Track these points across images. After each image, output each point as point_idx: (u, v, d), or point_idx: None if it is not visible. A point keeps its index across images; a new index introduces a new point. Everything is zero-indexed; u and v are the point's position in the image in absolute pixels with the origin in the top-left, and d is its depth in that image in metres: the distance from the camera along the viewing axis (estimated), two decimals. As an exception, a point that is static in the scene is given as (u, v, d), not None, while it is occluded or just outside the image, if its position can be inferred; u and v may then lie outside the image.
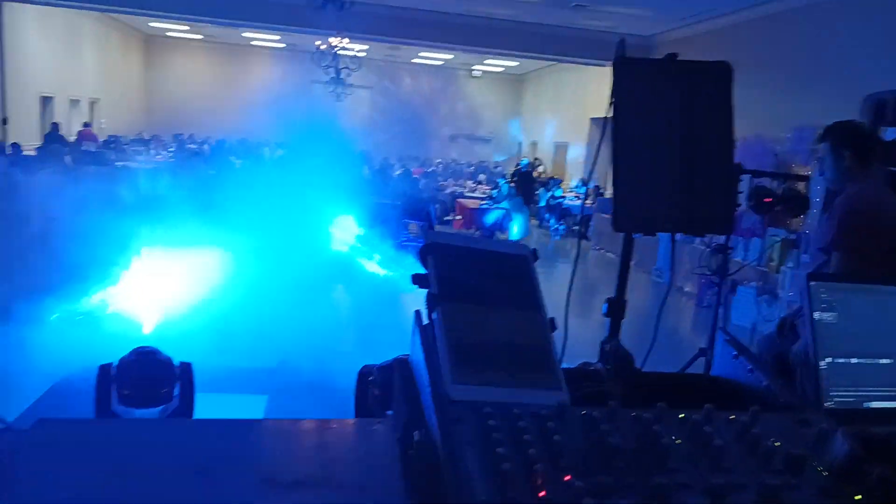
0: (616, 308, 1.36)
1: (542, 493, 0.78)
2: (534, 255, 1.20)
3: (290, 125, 8.21)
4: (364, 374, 2.74)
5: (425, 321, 1.12)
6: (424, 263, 1.10)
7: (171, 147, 18.23)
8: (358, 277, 7.83)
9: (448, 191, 15.56)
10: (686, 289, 9.24)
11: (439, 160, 19.95)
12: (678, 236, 1.48)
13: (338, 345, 5.57)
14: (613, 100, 1.30)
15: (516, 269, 1.16)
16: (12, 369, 4.60)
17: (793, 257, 7.01)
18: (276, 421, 0.99)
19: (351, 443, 1.01)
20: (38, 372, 4.54)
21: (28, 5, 14.20)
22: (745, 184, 5.13)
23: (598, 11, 11.73)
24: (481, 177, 19.11)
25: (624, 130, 1.27)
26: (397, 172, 13.96)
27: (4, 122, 13.69)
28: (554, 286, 1.25)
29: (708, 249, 5.09)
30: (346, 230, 8.62)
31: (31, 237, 6.40)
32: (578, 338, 1.51)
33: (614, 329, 1.36)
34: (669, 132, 1.31)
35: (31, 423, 0.92)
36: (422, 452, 0.91)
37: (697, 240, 8.22)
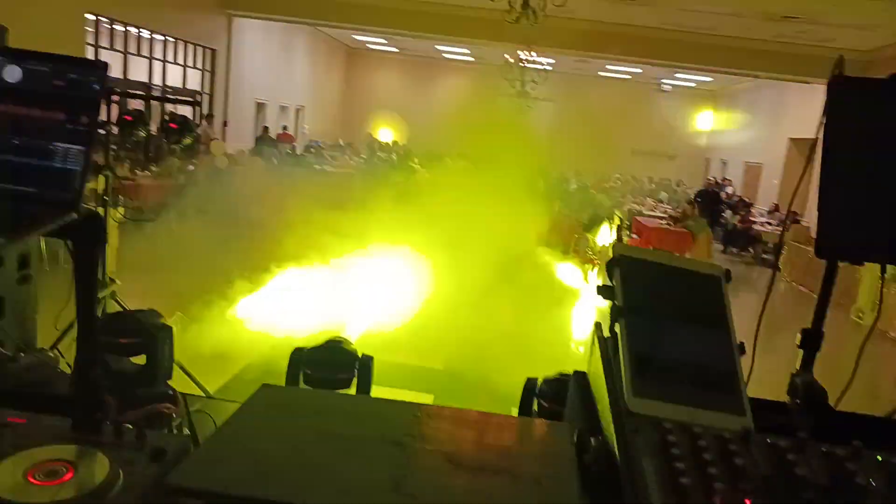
0: (812, 339, 1.28)
1: (720, 512, 0.78)
2: (727, 275, 1.18)
3: (473, 136, 8.46)
4: (529, 386, 2.79)
5: (606, 334, 1.14)
6: (611, 275, 1.12)
7: (363, 154, 19.49)
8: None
9: (626, 208, 15.16)
10: (892, 334, 8.26)
11: (618, 175, 19.48)
12: (888, 273, 1.35)
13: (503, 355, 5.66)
14: (825, 121, 1.24)
15: (707, 289, 1.15)
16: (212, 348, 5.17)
17: None
18: (462, 410, 1.06)
19: (528, 439, 1.06)
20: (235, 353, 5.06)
21: (251, 20, 15.95)
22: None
23: (811, 23, 10.84)
24: (663, 195, 18.40)
25: (836, 152, 1.21)
26: (573, 187, 13.85)
27: (225, 124, 15.44)
28: (736, 316, 1.21)
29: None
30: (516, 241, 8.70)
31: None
32: (761, 371, 1.44)
33: (808, 361, 1.29)
34: (890, 157, 1.22)
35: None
36: (599, 457, 0.94)
37: (911, 278, 7.34)
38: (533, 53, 14.27)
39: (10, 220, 0.95)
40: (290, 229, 6.34)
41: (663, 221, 12.85)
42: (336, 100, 24.42)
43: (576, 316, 6.99)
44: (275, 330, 5.21)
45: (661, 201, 17.31)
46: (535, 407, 2.56)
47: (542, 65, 14.85)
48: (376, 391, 3.34)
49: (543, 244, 8.77)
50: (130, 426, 1.07)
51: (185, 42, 14.33)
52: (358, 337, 5.12)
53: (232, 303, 5.88)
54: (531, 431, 1.09)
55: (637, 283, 1.11)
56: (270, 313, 5.67)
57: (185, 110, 11.85)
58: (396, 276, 6.60)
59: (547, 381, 2.69)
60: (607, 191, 15.46)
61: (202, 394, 4.32)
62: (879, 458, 0.92)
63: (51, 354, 3.97)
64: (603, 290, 1.12)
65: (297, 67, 20.33)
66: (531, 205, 8.48)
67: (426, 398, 4.95)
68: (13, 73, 1.04)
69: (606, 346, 1.13)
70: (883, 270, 1.25)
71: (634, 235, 13.11)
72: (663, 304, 1.10)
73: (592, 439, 0.98)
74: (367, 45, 22.86)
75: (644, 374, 1.00)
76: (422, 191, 8.56)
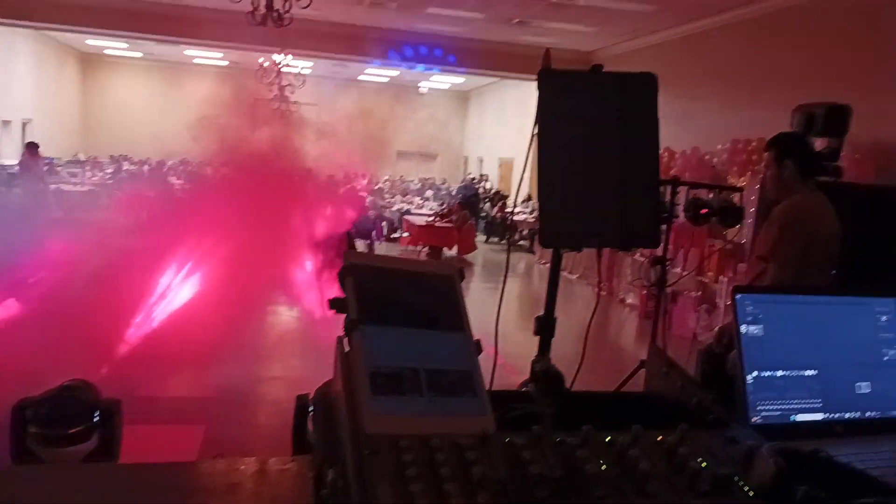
0: (545, 326, 1.32)
1: (458, 532, 0.74)
2: (460, 274, 1.16)
3: (233, 144, 8.04)
4: (301, 404, 2.65)
5: (347, 349, 1.07)
6: (343, 286, 1.04)
7: (109, 169, 17.70)
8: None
9: (395, 208, 15.51)
10: (629, 300, 9.37)
11: (387, 177, 19.89)
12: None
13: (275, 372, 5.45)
14: (537, 112, 1.27)
15: (441, 290, 1.12)
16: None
17: (731, 267, 7.19)
18: (184, 464, 0.91)
19: (264, 484, 0.94)
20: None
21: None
22: (683, 195, 5.24)
23: (539, 27, 11.91)
24: (429, 193, 19.13)
25: (548, 143, 1.24)
26: (342, 190, 13.82)
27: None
28: (492, 302, 1.21)
29: (647, 261, 5.16)
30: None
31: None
32: (526, 354, 1.46)
33: (544, 347, 1.33)
34: (595, 145, 1.29)
35: None
36: (336, 492, 0.85)
37: (638, 252, 8.38)
38: (289, 57, 13.98)
39: None
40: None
41: (431, 218, 13.34)
42: (73, 111, 21.85)
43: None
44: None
45: (428, 199, 17.98)
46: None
47: (299, 69, 14.60)
48: (136, 431, 2.97)
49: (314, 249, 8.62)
50: None
51: None
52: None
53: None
54: (266, 473, 0.97)
55: (370, 292, 1.04)
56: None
57: None
58: (153, 294, 6.07)
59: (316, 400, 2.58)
60: (377, 192, 15.69)
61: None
62: (608, 439, 0.95)
63: None
64: (335, 303, 1.04)
65: (17, 76, 17.81)
66: (300, 210, 8.29)
67: (196, 430, 4.56)
68: None
69: (347, 360, 1.05)
70: (599, 250, 1.32)
71: (405, 234, 13.46)
72: (398, 311, 1.05)
73: (330, 471, 0.90)
74: (104, 49, 20.74)
75: (382, 389, 0.94)
76: (182, 202, 7.96)
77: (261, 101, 14.96)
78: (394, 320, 1.03)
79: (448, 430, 0.92)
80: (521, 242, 14.23)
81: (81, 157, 19.11)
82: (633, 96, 1.35)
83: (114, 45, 19.52)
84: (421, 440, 0.88)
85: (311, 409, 2.58)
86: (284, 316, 7.42)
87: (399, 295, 1.08)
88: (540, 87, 1.29)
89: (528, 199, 15.01)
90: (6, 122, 17.16)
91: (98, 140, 21.19)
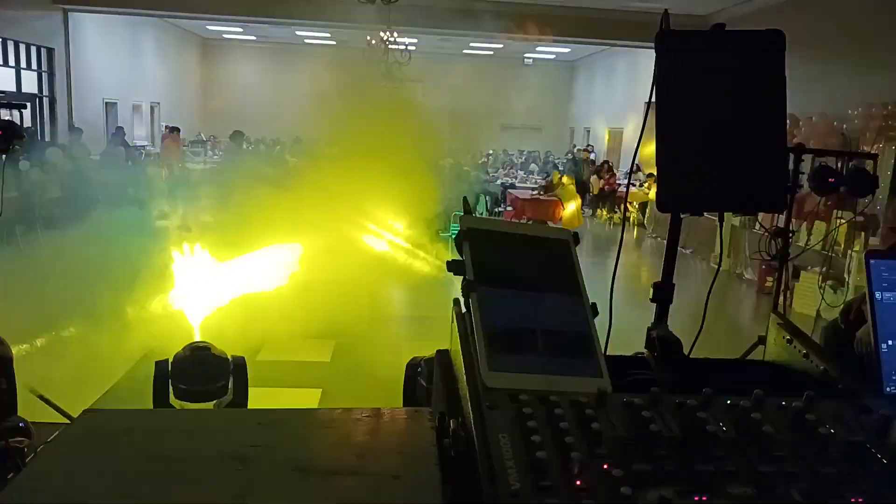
0: (663, 292, 1.31)
1: (577, 483, 0.76)
2: (575, 238, 1.17)
3: (342, 121, 8.28)
4: (412, 365, 2.75)
5: (464, 310, 1.10)
6: (460, 249, 1.08)
7: (228, 148, 18.67)
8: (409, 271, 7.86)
9: (499, 182, 15.48)
10: (746, 276, 8.95)
11: (490, 151, 19.85)
12: (736, 221, 1.41)
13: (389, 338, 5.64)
14: (656, 76, 1.25)
15: (556, 254, 1.13)
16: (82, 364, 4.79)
17: (861, 240, 6.70)
18: (313, 410, 0.99)
19: (388, 432, 1.00)
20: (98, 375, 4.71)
21: (90, 14, 14.77)
22: (808, 164, 4.92)
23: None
24: (533, 167, 18.94)
25: (667, 107, 1.22)
26: (447, 165, 13.93)
27: (71, 128, 14.25)
28: (608, 275, 1.21)
29: (767, 233, 4.90)
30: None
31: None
32: (635, 328, 1.45)
33: (661, 314, 1.31)
34: (717, 107, 1.25)
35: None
36: (458, 440, 0.89)
37: (758, 224, 7.96)
38: (395, 34, 14.16)
39: None
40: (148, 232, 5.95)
41: (535, 192, 13.23)
42: (194, 94, 23.20)
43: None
44: (138, 343, 4.88)
45: (532, 173, 17.81)
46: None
47: (405, 45, 14.77)
48: (258, 394, 3.18)
49: (424, 223, 8.80)
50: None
51: (17, 42, 13.06)
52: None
53: (99, 316, 5.47)
54: (390, 422, 1.03)
55: (486, 255, 1.07)
56: (129, 327, 5.32)
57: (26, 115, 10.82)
58: (278, 268, 6.39)
59: (427, 361, 2.65)
60: (480, 167, 15.71)
61: (66, 420, 3.97)
62: (728, 402, 0.94)
63: None
64: (453, 266, 1.08)
65: (147, 63, 19.08)
66: (407, 185, 8.46)
67: (313, 393, 4.82)
68: None
69: (464, 321, 1.09)
70: (721, 215, 1.28)
71: (509, 207, 13.43)
72: (514, 273, 1.08)
73: (452, 422, 0.94)
74: (223, 34, 21.82)
75: (499, 347, 0.97)
76: (296, 181, 8.30)
77: (369, 79, 15.29)
78: (510, 282, 1.06)
79: (565, 389, 0.94)
80: (627, 215, 13.84)
81: (203, 136, 20.27)
82: (758, 55, 1.29)
83: (231, 30, 20.49)
84: (539, 396, 0.90)
85: (419, 370, 2.66)
86: (394, 288, 7.61)
87: (515, 258, 1.10)
88: (658, 49, 1.26)
89: (638, 169, 14.56)
90: (137, 106, 18.48)
91: (217, 120, 22.38)
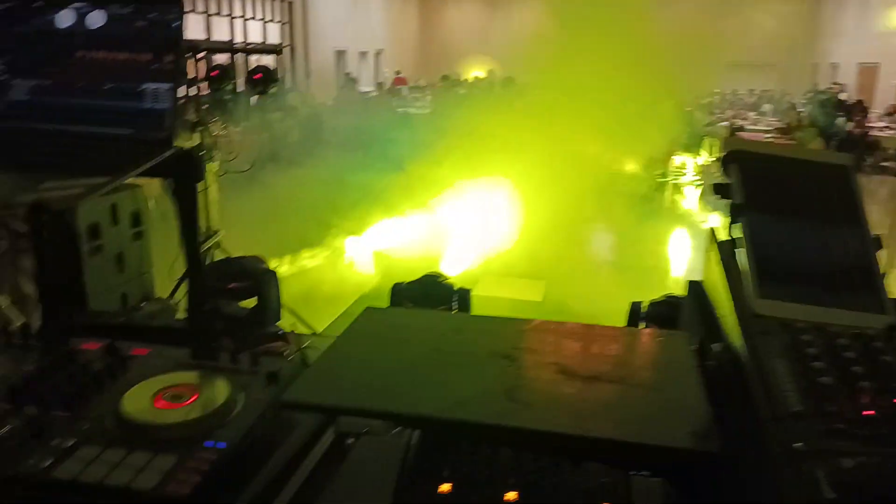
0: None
1: (867, 412, 0.71)
2: (855, 163, 1.07)
3: (564, 60, 8.11)
4: (635, 309, 2.70)
5: (724, 237, 1.06)
6: (726, 172, 1.03)
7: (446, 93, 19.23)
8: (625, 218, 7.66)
9: (723, 124, 14.33)
10: None
11: (716, 90, 18.35)
12: None
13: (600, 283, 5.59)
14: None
15: (833, 180, 1.04)
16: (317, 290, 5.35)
17: None
18: (571, 323, 1.02)
19: (643, 349, 1.01)
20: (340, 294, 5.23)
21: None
22: None
23: None
24: (766, 107, 17.26)
25: None
26: (668, 105, 13.17)
27: (307, 75, 15.60)
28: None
29: None
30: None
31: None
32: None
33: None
34: None
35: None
36: (723, 362, 0.88)
37: None
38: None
39: (108, 164, 0.96)
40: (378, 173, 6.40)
41: (769, 135, 12.06)
42: (413, 39, 24.11)
43: (674, 239, 6.79)
44: (377, 268, 5.33)
45: (765, 114, 16.24)
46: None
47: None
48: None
49: (643, 166, 8.49)
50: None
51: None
52: (461, 270, 5.20)
53: (334, 246, 6.07)
54: (646, 341, 1.04)
55: (756, 179, 1.01)
56: (371, 253, 5.80)
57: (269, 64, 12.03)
58: (496, 208, 6.59)
59: (654, 304, 2.59)
60: (704, 107, 14.63)
61: (311, 332, 4.49)
62: None
63: (169, 302, 4.23)
64: (720, 189, 1.04)
65: (372, 9, 20.16)
66: (624, 128, 8.16)
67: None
68: (97, 19, 1.05)
69: (725, 249, 1.05)
70: None
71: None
72: (786, 198, 1.01)
73: (714, 345, 0.93)
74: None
75: (770, 275, 0.92)
76: (514, 125, 8.34)
77: (584, 18, 14.72)
78: (782, 207, 1.00)
79: (843, 322, 0.88)
80: (884, 164, 12.13)
81: (422, 82, 21.07)
82: None
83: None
84: (816, 326, 0.85)
85: (642, 314, 2.61)
86: (607, 233, 7.47)
87: (787, 182, 1.03)
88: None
89: (895, 111, 12.67)
90: (363, 53, 19.68)
91: (434, 66, 23.09)
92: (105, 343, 1.14)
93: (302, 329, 4.36)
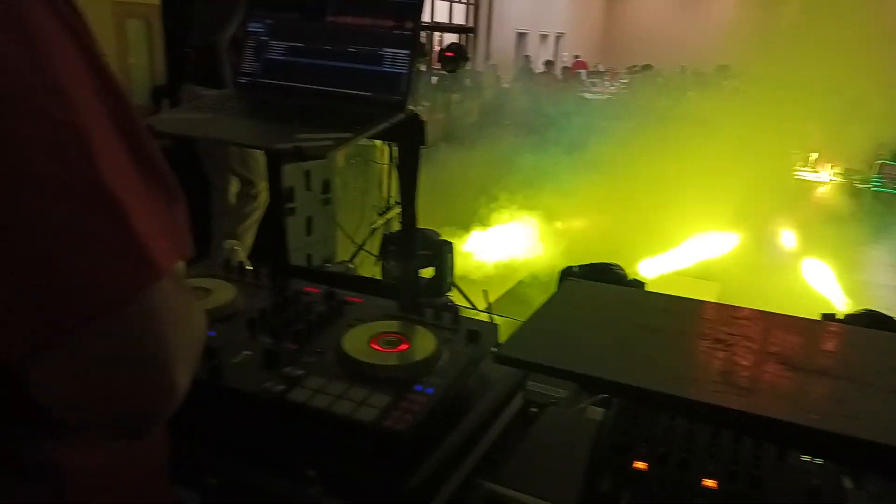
0: None
1: None
2: None
3: (761, 47, 7.53)
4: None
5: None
6: None
7: (625, 79, 18.64)
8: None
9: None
10: None
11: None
12: None
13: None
14: None
15: None
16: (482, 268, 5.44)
17: None
18: (787, 316, 0.97)
19: (877, 350, 0.94)
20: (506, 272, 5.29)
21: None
22: None
23: None
24: None
25: None
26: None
27: (487, 56, 15.77)
28: None
29: None
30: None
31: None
32: None
33: None
34: None
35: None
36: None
37: None
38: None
39: (350, 121, 1.05)
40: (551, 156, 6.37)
41: None
42: (596, 23, 23.50)
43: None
44: (545, 251, 5.33)
45: None
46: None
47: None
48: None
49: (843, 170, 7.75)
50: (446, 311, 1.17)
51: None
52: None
53: (504, 224, 6.15)
54: (880, 342, 0.96)
55: None
56: (543, 236, 5.81)
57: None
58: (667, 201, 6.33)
59: (851, 317, 2.38)
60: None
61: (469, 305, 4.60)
62: None
63: (350, 265, 4.52)
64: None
65: (557, -7, 19.95)
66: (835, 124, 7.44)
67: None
68: (348, -14, 1.14)
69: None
70: None
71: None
72: None
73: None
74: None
75: None
76: (706, 118, 7.87)
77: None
78: None
79: None
80: None
81: (601, 67, 20.54)
82: None
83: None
84: None
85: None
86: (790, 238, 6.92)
87: None
88: None
89: None
90: (544, 36, 19.54)
91: (618, 52, 22.37)
92: (325, 289, 1.25)
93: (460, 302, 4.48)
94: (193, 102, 1.20)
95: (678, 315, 0.97)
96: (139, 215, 0.53)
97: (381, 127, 1.03)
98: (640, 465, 0.87)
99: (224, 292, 1.20)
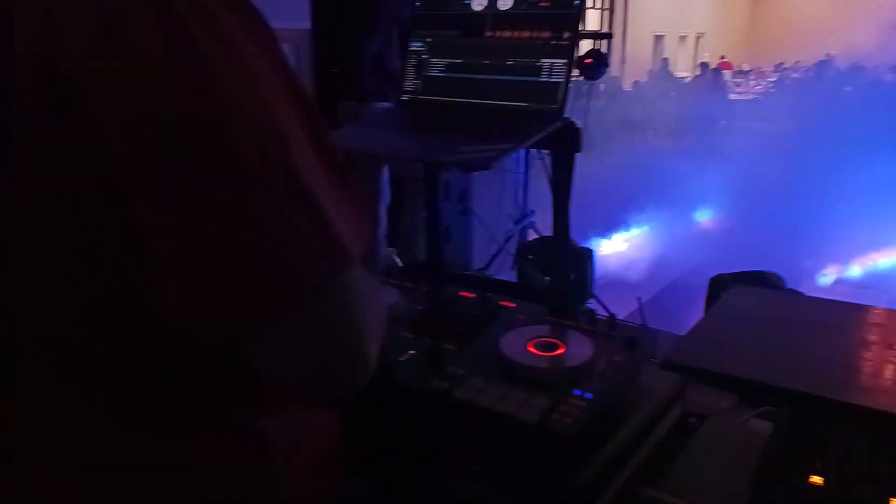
0: None
1: None
2: None
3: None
4: None
5: None
6: None
7: (772, 77, 17.54)
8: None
9: None
10: None
11: None
12: None
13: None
14: None
15: None
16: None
17: None
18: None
19: None
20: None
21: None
22: None
23: None
24: None
25: None
26: None
27: (622, 61, 15.40)
28: None
29: None
30: None
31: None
32: None
33: None
34: None
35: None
36: None
37: None
38: None
39: (509, 132, 1.08)
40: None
41: None
42: (741, 21, 22.25)
43: None
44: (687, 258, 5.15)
45: None
46: None
47: None
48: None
49: None
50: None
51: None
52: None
53: (645, 230, 5.99)
54: None
55: None
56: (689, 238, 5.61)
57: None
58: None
59: None
60: None
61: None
62: None
63: (487, 273, 4.58)
64: None
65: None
66: None
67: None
68: (507, 1, 1.18)
69: None
70: None
71: None
72: None
73: None
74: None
75: None
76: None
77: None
78: None
79: None
80: None
81: (745, 67, 19.46)
82: None
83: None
84: None
85: None
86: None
87: None
88: None
89: None
90: (682, 37, 18.79)
91: (765, 50, 21.04)
92: (479, 293, 1.29)
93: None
94: (360, 119, 1.28)
95: (858, 324, 0.92)
96: (331, 209, 0.59)
97: (539, 136, 1.06)
98: (817, 479, 0.84)
99: (388, 295, 1.28)
